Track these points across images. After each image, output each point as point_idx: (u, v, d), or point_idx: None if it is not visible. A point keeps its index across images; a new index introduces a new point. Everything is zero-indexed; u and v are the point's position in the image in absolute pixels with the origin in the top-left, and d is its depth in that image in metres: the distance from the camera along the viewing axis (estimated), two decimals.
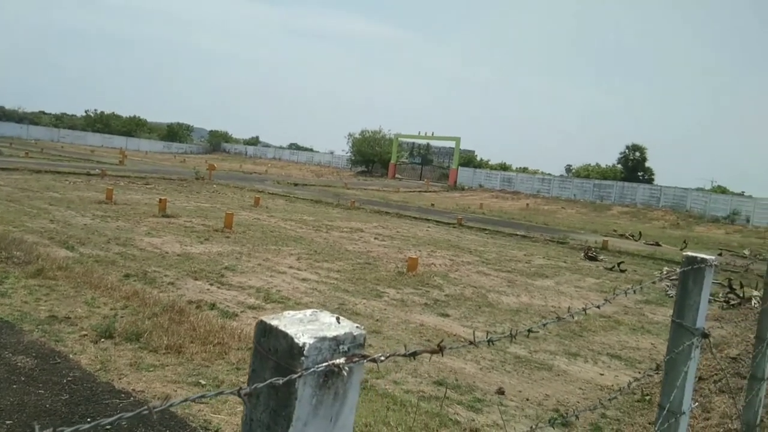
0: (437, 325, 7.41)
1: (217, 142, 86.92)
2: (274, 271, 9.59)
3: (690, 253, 1.97)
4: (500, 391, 5.34)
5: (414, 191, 41.62)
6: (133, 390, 4.28)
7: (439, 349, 0.94)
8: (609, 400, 2.36)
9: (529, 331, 1.55)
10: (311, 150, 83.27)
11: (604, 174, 53.93)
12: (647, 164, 54.71)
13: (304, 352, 0.64)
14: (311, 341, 0.65)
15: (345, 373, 0.66)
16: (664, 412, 1.93)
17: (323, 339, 0.67)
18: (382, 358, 0.76)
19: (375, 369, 5.46)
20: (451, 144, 57.62)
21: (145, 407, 0.55)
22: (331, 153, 73.98)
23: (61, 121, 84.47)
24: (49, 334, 5.15)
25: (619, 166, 55.37)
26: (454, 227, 20.30)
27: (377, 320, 7.31)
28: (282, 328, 0.68)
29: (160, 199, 15.64)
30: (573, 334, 7.70)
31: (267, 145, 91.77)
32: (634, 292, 2.01)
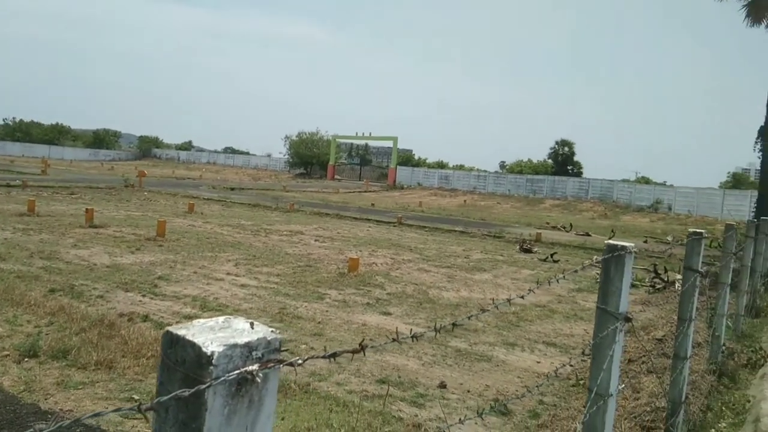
0: (379, 324, 7.43)
1: (147, 147, 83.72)
2: (211, 279, 9.34)
3: (611, 242, 2.06)
4: (442, 385, 5.41)
5: (354, 192, 41.61)
6: (61, 410, 4.06)
7: (361, 348, 0.93)
8: (536, 387, 2.43)
9: (454, 324, 1.57)
10: (248, 153, 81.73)
11: (536, 169, 55.74)
12: (576, 158, 56.93)
13: (213, 360, 0.62)
14: (220, 349, 0.63)
15: (259, 380, 0.64)
16: (593, 394, 2.01)
17: (234, 346, 0.65)
18: (300, 361, 0.75)
19: (317, 372, 5.42)
20: (389, 144, 58.00)
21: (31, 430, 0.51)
22: (269, 156, 72.78)
23: None
24: None
25: (550, 161, 57.36)
26: (395, 226, 20.43)
27: (319, 323, 7.25)
28: (189, 337, 0.65)
29: (87, 209, 14.91)
30: (511, 325, 7.92)
31: (201, 150, 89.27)
32: (548, 283, 2.08)
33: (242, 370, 0.64)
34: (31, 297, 6.91)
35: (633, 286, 11.43)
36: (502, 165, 69.29)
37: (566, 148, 57.23)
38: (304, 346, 6.20)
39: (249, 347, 0.66)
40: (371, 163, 64.56)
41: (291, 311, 7.69)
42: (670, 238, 21.53)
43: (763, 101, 16.04)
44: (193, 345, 0.64)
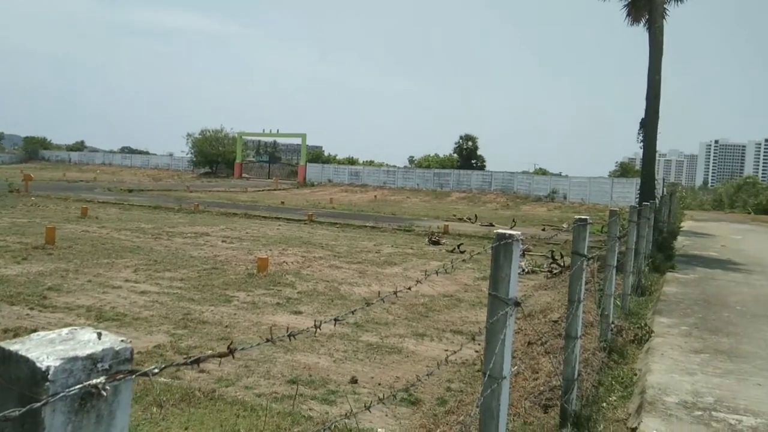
0: (290, 324, 7.33)
1: (33, 149, 77.32)
2: (107, 287, 8.80)
3: (500, 230, 2.15)
4: (353, 380, 5.44)
5: (263, 190, 40.75)
6: None
7: (230, 352, 0.90)
8: (427, 375, 2.50)
9: (335, 320, 1.58)
10: (147, 153, 77.63)
11: (443, 163, 57.31)
12: (479, 152, 59.21)
13: (49, 376, 0.57)
14: (57, 363, 0.59)
15: (106, 394, 0.60)
16: (487, 378, 2.09)
17: (74, 359, 0.60)
18: (156, 370, 0.71)
19: (224, 377, 5.27)
20: (298, 141, 57.29)
21: None
22: (170, 155, 69.48)
23: None
24: None
25: (455, 155, 59.19)
26: (306, 224, 20.23)
27: (226, 326, 7.05)
28: (23, 352, 0.60)
29: None
30: (420, 316, 8.10)
31: (95, 150, 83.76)
32: (436, 273, 2.15)
33: (85, 384, 0.60)
34: None
35: (533, 272, 12.07)
36: (411, 160, 70.59)
37: (470, 143, 59.34)
38: (209, 351, 5.99)
39: (93, 359, 0.62)
40: (280, 160, 63.50)
41: (196, 316, 7.41)
42: (565, 226, 22.89)
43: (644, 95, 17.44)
44: (26, 360, 0.58)
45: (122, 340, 0.67)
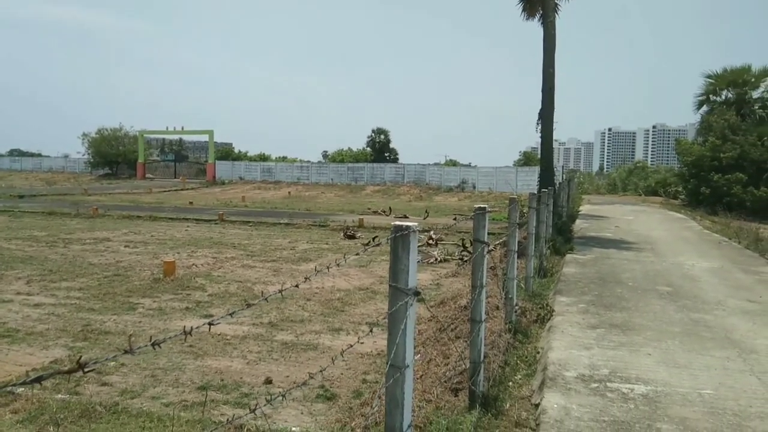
0: (187, 326, 7.09)
1: None
2: None
3: (396, 222, 2.18)
4: (268, 381, 5.35)
5: (169, 190, 39.01)
6: None
7: (79, 367, 0.85)
8: (321, 371, 2.51)
9: (185, 332, 1.54)
10: (40, 155, 71.93)
11: (357, 157, 57.43)
12: (391, 145, 59.86)
13: None
14: None
15: None
16: (390, 367, 2.12)
17: None
18: None
19: (129, 389, 5.02)
20: (206, 138, 55.28)
21: None
22: (66, 157, 64.76)
23: None
24: None
25: (369, 148, 59.52)
26: (216, 223, 19.61)
27: (130, 335, 6.69)
28: None
29: None
30: (336, 311, 8.09)
31: None
32: (337, 265, 2.15)
33: None
34: None
35: (445, 260, 12.40)
36: (325, 155, 70.20)
37: (382, 136, 59.86)
38: (113, 364, 5.67)
39: None
40: (187, 159, 60.96)
41: (97, 327, 7.00)
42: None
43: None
44: None
45: None
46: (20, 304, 8.02)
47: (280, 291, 1.83)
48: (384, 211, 25.10)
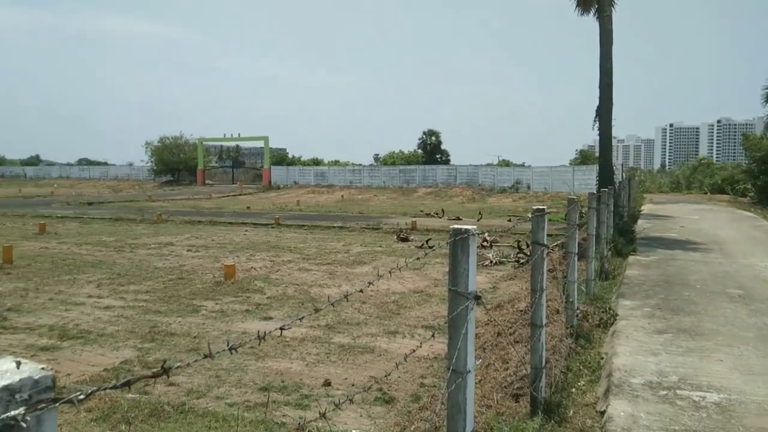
0: (260, 330, 7.25)
1: None
2: (70, 304, 8.55)
3: (455, 226, 2.16)
4: (327, 383, 5.41)
5: (227, 196, 40.21)
6: None
7: (164, 371, 0.88)
8: (386, 375, 2.50)
9: (281, 329, 1.56)
10: (106, 164, 75.61)
11: (408, 159, 57.47)
12: (443, 147, 59.59)
13: None
14: None
15: (26, 425, 0.58)
16: (451, 372, 2.10)
17: None
18: (81, 396, 0.69)
19: (194, 389, 5.18)
20: (261, 144, 56.65)
21: None
22: (130, 165, 67.80)
23: None
24: None
25: (420, 150, 59.45)
26: (273, 227, 20.04)
27: (195, 337, 6.93)
28: None
29: None
30: (391, 314, 8.11)
31: (51, 164, 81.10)
32: (400, 270, 2.15)
33: (3, 416, 0.57)
34: None
35: (500, 263, 12.21)
36: (376, 158, 70.59)
37: (433, 138, 59.68)
38: (178, 363, 5.88)
39: (10, 390, 0.59)
40: (244, 164, 62.66)
41: (163, 329, 7.27)
42: (530, 215, 23.25)
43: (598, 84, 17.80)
44: None
45: (42, 368, 0.64)
46: (91, 307, 8.43)
47: (346, 296, 1.85)
48: (437, 213, 24.98)
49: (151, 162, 58.88)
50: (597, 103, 17.41)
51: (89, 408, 4.64)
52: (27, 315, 7.91)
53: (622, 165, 45.52)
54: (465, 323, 2.11)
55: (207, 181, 55.63)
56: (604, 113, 17.23)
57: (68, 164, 78.20)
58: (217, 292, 9.38)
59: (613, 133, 18.17)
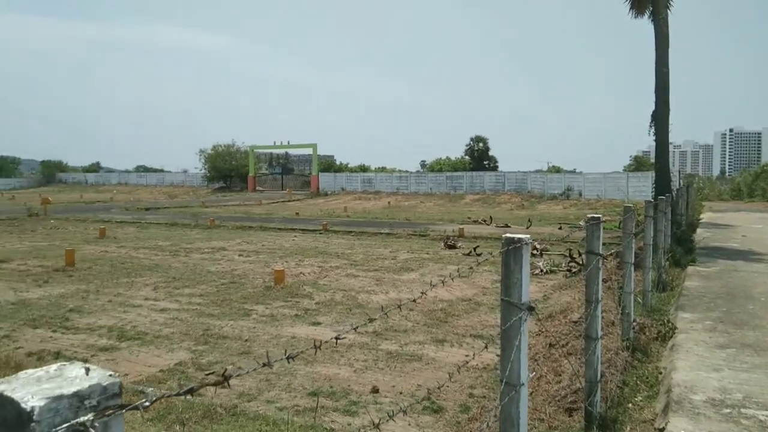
0: (309, 335, 7.33)
1: (50, 173, 78.51)
2: (127, 306, 8.88)
3: (508, 235, 2.12)
4: (375, 390, 5.40)
5: (277, 202, 40.97)
6: None
7: (225, 380, 0.89)
8: (438, 388, 2.46)
9: (336, 338, 1.55)
10: (162, 171, 78.39)
11: (455, 166, 57.15)
12: (491, 153, 58.99)
13: (34, 416, 0.56)
14: (42, 403, 0.57)
15: (94, 431, 0.59)
16: (504, 385, 2.05)
17: (59, 398, 0.59)
18: (147, 403, 0.70)
19: (246, 392, 5.27)
20: (309, 151, 57.56)
21: None
22: (185, 172, 70.09)
23: None
24: None
25: (467, 157, 59.05)
26: (321, 233, 20.28)
27: (246, 340, 7.06)
28: (9, 393, 0.59)
29: None
30: (439, 322, 8.04)
31: (110, 171, 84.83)
32: (453, 279, 2.11)
33: (72, 422, 0.58)
34: None
35: (551, 271, 11.94)
36: (423, 164, 70.55)
37: (481, 144, 59.20)
38: (230, 366, 6.01)
39: (79, 397, 0.61)
40: (293, 171, 63.80)
41: (216, 332, 7.44)
42: (582, 223, 22.66)
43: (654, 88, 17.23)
44: (12, 401, 0.57)
45: (110, 375, 0.65)
46: (148, 309, 8.72)
47: (399, 306, 1.83)
48: (484, 221, 24.69)
49: (205, 169, 60.72)
50: (653, 107, 16.85)
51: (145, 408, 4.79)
52: (88, 316, 8.25)
53: (680, 172, 43.83)
54: (518, 335, 2.06)
55: (257, 188, 56.90)
56: (660, 118, 16.65)
57: (126, 171, 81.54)
58: (267, 297, 9.54)
59: (670, 139, 17.53)
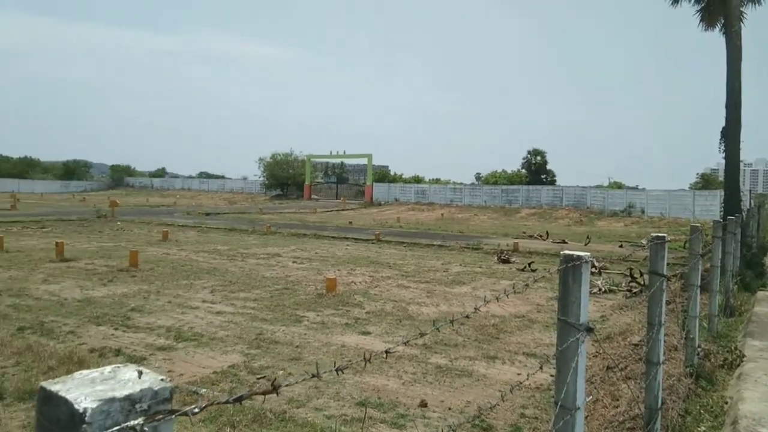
0: (359, 344, 7.34)
1: (119, 176, 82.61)
2: (186, 308, 9.16)
3: (567, 252, 2.04)
4: (423, 404, 5.34)
5: (331, 210, 41.50)
6: None
7: (274, 389, 0.88)
8: (491, 408, 2.38)
9: (386, 352, 1.53)
10: (223, 177, 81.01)
11: (511, 179, 56.30)
12: (549, 167, 57.73)
13: (86, 418, 0.57)
14: (95, 405, 0.58)
15: None
16: (559, 408, 1.97)
17: (112, 400, 0.59)
18: (196, 409, 0.70)
19: (295, 398, 5.31)
20: (364, 161, 58.12)
21: None
22: (244, 179, 72.24)
23: None
24: None
25: (524, 170, 58.03)
26: (373, 243, 20.37)
27: (297, 346, 7.14)
28: (63, 393, 0.60)
29: (58, 243, 14.59)
30: (491, 338, 7.88)
31: (175, 176, 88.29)
32: (507, 295, 2.05)
33: (123, 425, 0.59)
34: None
35: (610, 291, 11.52)
36: (478, 177, 69.84)
37: (538, 157, 58.02)
38: (281, 372, 6.08)
39: (131, 400, 0.61)
40: (348, 181, 64.56)
41: (268, 336, 7.56)
42: (644, 242, 21.81)
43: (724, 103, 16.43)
44: (66, 402, 0.58)
45: (162, 379, 0.66)
46: (205, 311, 8.97)
47: (451, 321, 1.79)
48: (540, 236, 24.16)
49: (263, 177, 62.34)
50: (722, 123, 16.06)
51: None
52: (148, 315, 8.56)
53: (750, 191, 41.58)
54: (575, 357, 1.98)
55: (313, 196, 57.87)
56: (731, 135, 15.85)
57: (190, 177, 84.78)
58: (318, 304, 9.64)
59: (741, 157, 16.65)
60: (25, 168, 77.07)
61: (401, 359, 6.72)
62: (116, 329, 7.74)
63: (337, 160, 63.65)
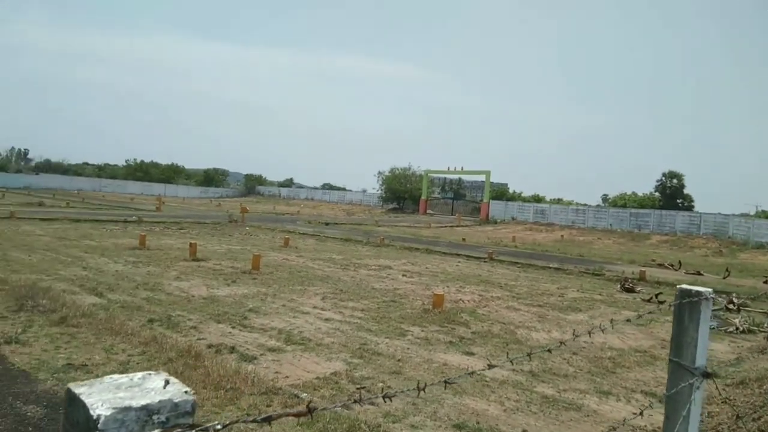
0: (461, 364, 7.18)
1: (252, 185, 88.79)
2: (297, 312, 9.53)
3: (684, 286, 1.82)
4: None
5: (445, 226, 41.37)
6: None
7: (308, 411, 0.84)
8: None
9: (419, 388, 1.43)
10: (344, 189, 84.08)
11: (641, 202, 52.67)
12: (686, 191, 53.29)
13: (99, 425, 0.56)
14: (109, 412, 0.58)
15: None
16: None
17: (127, 409, 0.59)
18: (219, 426, 0.67)
19: (392, 412, 5.29)
20: (482, 178, 57.41)
21: None
22: (363, 191, 74.47)
23: (103, 171, 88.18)
24: (63, 382, 5.16)
25: (657, 194, 54.05)
26: (485, 261, 19.97)
27: (399, 360, 7.13)
28: (83, 397, 0.60)
29: (191, 243, 15.89)
30: (606, 371, 7.35)
31: (301, 186, 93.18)
32: (613, 325, 1.86)
33: None
34: (129, 327, 7.38)
35: (750, 331, 10.31)
36: (605, 198, 66.17)
37: (674, 180, 53.80)
38: (381, 384, 6.10)
39: (148, 410, 0.60)
40: (464, 197, 64.08)
41: (371, 347, 7.63)
42: None
43: None
44: (84, 406, 0.59)
45: (185, 392, 0.65)
46: (315, 317, 9.27)
47: (562, 342, 1.66)
48: (672, 265, 22.27)
49: (381, 190, 63.79)
50: None
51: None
52: (263, 317, 9.01)
53: None
54: (687, 403, 1.75)
55: (428, 211, 58.13)
56: None
57: (314, 188, 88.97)
58: (424, 320, 9.58)
59: None
60: (172, 174, 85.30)
61: (505, 384, 6.47)
62: (233, 327, 8.23)
63: (455, 176, 63.50)
